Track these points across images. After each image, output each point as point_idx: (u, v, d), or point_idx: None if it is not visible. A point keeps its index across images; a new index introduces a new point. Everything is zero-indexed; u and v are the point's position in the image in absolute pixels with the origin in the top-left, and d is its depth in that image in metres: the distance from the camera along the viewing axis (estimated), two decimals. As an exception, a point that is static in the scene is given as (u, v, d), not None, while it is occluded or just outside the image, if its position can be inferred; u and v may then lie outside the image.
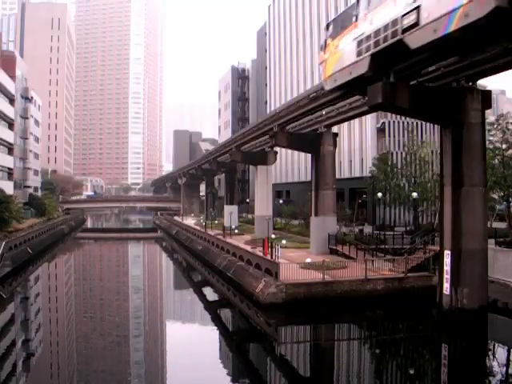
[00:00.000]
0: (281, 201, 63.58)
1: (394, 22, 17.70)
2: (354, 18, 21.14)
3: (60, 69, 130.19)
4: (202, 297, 31.90)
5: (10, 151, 62.35)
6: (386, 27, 18.21)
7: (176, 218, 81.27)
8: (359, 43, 20.27)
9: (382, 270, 25.88)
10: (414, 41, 16.78)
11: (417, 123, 47.86)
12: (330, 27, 24.40)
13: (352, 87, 23.06)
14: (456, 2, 14.52)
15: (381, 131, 50.32)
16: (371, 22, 19.52)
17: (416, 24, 16.47)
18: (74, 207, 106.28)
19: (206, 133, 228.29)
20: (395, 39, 17.59)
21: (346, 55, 21.60)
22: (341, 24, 23.04)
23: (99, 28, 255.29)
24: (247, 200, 73.87)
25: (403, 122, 49.20)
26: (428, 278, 25.05)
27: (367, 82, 20.58)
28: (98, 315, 26.41)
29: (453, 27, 14.78)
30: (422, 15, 16.26)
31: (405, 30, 16.98)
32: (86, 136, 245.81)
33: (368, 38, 19.51)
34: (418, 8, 16.37)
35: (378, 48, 18.69)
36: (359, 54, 20.21)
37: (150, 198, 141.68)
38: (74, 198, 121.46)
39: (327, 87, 24.26)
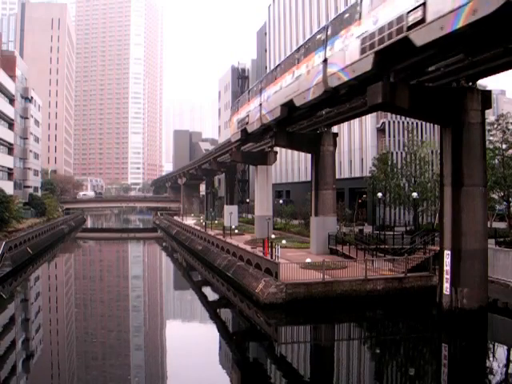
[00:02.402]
0: (281, 201, 63.59)
1: (243, 119, 39.07)
2: (236, 108, 42.65)
3: (60, 69, 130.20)
4: (202, 297, 31.90)
5: (10, 151, 62.35)
6: (242, 119, 39.76)
7: (176, 217, 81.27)
8: (238, 123, 41.42)
9: (381, 270, 25.88)
10: (250, 129, 37.39)
11: (417, 123, 47.90)
12: (233, 108, 46.29)
13: (241, 141, 43.17)
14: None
15: (381, 131, 50.34)
16: (240, 114, 40.70)
17: (247, 123, 37.89)
18: (74, 207, 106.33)
19: (206, 133, 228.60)
20: (243, 127, 39.03)
21: (235, 126, 42.87)
22: (235, 108, 44.01)
23: (99, 28, 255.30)
24: (247, 200, 73.85)
25: (403, 122, 49.23)
26: (428, 277, 25.06)
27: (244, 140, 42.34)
28: (98, 315, 26.40)
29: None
30: (249, 118, 36.91)
31: (246, 123, 37.81)
32: (86, 136, 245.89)
33: (240, 120, 40.48)
34: (247, 115, 37.62)
35: (244, 127, 39.04)
36: (238, 128, 41.17)
37: (150, 198, 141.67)
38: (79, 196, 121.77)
39: (232, 140, 45.76)
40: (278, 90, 30.08)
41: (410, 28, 17.06)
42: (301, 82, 26.54)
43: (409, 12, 17.04)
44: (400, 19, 17.55)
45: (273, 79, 31.78)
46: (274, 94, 30.84)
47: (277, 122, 32.10)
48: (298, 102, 27.04)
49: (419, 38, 16.74)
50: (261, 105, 33.91)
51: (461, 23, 14.85)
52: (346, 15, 22.35)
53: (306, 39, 28.34)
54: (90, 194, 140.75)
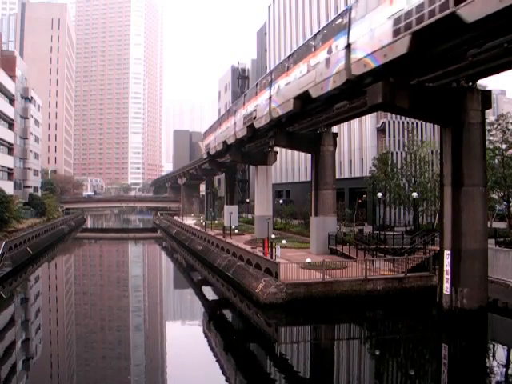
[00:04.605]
0: (281, 201, 63.59)
1: (208, 145, 60.24)
2: (204, 137, 67.16)
3: (60, 69, 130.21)
4: (202, 297, 31.90)
5: (10, 151, 62.35)
6: (208, 145, 60.69)
7: (176, 217, 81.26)
8: (205, 146, 63.41)
9: (381, 270, 25.89)
10: (211, 152, 57.07)
11: (417, 123, 47.88)
12: (203, 136, 72.97)
13: (208, 158, 60.15)
14: None
15: (381, 131, 50.32)
16: (206, 141, 63.13)
17: (209, 148, 58.97)
18: (74, 207, 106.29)
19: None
20: (208, 150, 59.55)
21: (204, 149, 65.34)
22: (203, 137, 70.69)
23: (99, 28, 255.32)
24: (247, 200, 73.85)
25: (403, 122, 49.21)
26: (428, 277, 25.06)
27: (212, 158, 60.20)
28: (97, 315, 26.41)
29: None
30: (210, 144, 57.84)
31: (209, 148, 58.77)
32: (86, 136, 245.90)
33: (207, 145, 61.35)
34: (209, 142, 59.07)
35: (209, 151, 58.44)
36: (205, 150, 62.67)
37: (150, 198, 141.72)
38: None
39: (203, 157, 67.22)
40: (222, 131, 49.35)
41: (254, 119, 35.95)
42: (229, 130, 45.67)
43: (252, 112, 36.36)
44: (251, 113, 36.59)
45: (219, 124, 52.88)
46: (220, 133, 50.74)
47: (223, 150, 50.43)
48: (228, 142, 46.34)
49: (256, 124, 35.60)
50: (215, 138, 54.00)
51: (262, 123, 34.12)
52: (240, 100, 42.85)
53: (229, 107, 53.49)
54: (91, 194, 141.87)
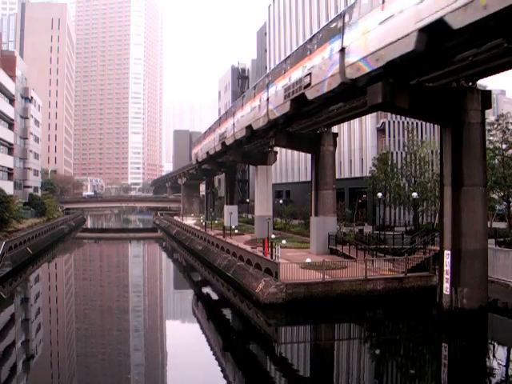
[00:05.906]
0: (281, 201, 63.60)
1: (197, 153, 69.67)
2: (194, 146, 79.56)
3: (60, 69, 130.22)
4: (202, 297, 31.91)
5: (10, 151, 62.34)
6: (196, 153, 70.69)
7: (176, 217, 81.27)
8: (194, 154, 73.98)
9: (381, 270, 25.89)
10: (199, 159, 67.90)
11: (417, 123, 47.89)
12: (193, 144, 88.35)
13: (197, 164, 71.37)
14: None
15: (381, 131, 50.32)
16: (196, 149, 72.57)
17: (197, 155, 70.00)
18: (74, 207, 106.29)
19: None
20: (196, 157, 69.95)
21: (193, 155, 75.31)
22: (193, 146, 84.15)
23: (99, 28, 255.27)
24: (247, 200, 73.85)
25: (403, 122, 49.21)
26: (428, 277, 25.07)
27: (201, 162, 68.79)
28: (97, 315, 26.40)
29: None
30: (198, 153, 68.15)
31: (197, 156, 69.79)
32: (86, 136, 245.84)
33: (196, 153, 71.33)
34: (197, 152, 69.26)
35: (197, 158, 68.95)
36: (195, 157, 72.70)
37: (150, 198, 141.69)
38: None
39: (193, 163, 77.28)
40: (206, 144, 59.39)
41: (225, 138, 46.32)
42: (210, 143, 56.22)
43: (224, 132, 47.10)
44: (223, 133, 47.08)
45: (204, 137, 63.57)
46: (205, 145, 60.78)
47: (207, 159, 61.42)
48: (210, 153, 56.95)
49: (226, 142, 45.69)
50: (201, 149, 64.34)
51: (230, 142, 44.83)
52: (217, 122, 54.33)
53: (210, 126, 61.11)
54: (92, 194, 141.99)
